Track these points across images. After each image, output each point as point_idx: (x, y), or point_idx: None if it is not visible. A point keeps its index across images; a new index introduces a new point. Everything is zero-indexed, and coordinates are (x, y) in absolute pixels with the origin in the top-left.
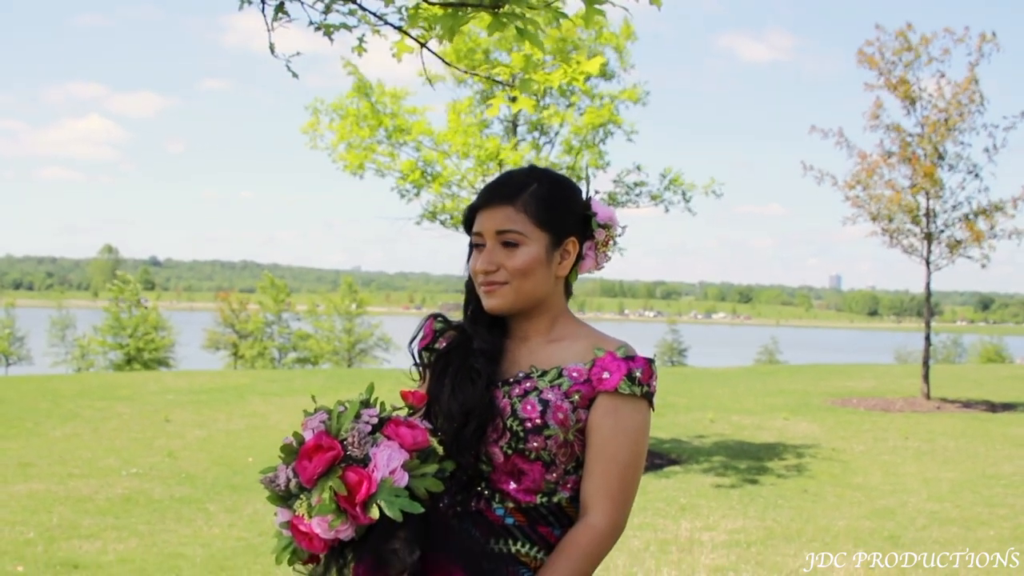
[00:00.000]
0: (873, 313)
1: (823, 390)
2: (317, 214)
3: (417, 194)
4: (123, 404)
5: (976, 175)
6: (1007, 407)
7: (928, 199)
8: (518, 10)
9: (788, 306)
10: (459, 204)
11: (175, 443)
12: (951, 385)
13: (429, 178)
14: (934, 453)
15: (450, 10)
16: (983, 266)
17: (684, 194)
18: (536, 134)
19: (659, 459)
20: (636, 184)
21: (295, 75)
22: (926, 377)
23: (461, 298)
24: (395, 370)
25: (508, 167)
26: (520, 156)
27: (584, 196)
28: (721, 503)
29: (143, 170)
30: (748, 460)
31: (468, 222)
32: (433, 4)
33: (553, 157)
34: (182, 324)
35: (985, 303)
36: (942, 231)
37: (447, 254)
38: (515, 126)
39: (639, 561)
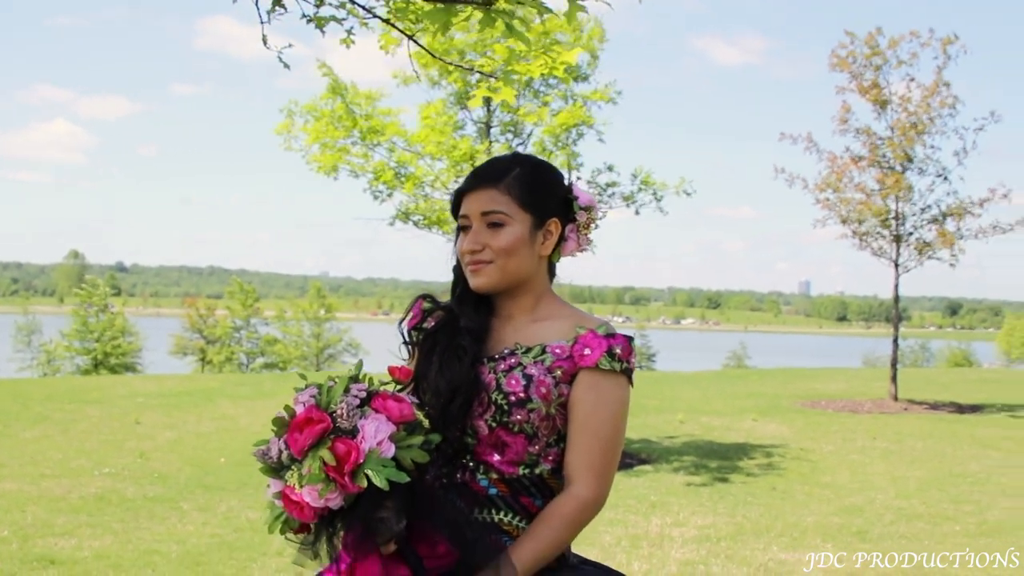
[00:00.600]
0: (842, 319)
1: (792, 393)
2: (285, 220)
3: (390, 195)
4: (92, 407)
5: (945, 178)
6: (974, 409)
7: (897, 202)
8: (507, 6)
9: (757, 312)
10: (432, 205)
11: (146, 444)
12: (919, 388)
13: (402, 179)
14: (902, 453)
15: (442, 5)
16: (952, 266)
17: (655, 194)
18: (509, 135)
19: (630, 458)
20: (608, 185)
21: (287, 66)
22: (894, 379)
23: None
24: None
25: None
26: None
27: (566, 182)
28: (691, 500)
29: (111, 175)
30: (718, 459)
31: (455, 206)
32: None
33: None
34: (149, 330)
35: (953, 308)
36: (911, 233)
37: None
38: (488, 127)
39: (610, 556)
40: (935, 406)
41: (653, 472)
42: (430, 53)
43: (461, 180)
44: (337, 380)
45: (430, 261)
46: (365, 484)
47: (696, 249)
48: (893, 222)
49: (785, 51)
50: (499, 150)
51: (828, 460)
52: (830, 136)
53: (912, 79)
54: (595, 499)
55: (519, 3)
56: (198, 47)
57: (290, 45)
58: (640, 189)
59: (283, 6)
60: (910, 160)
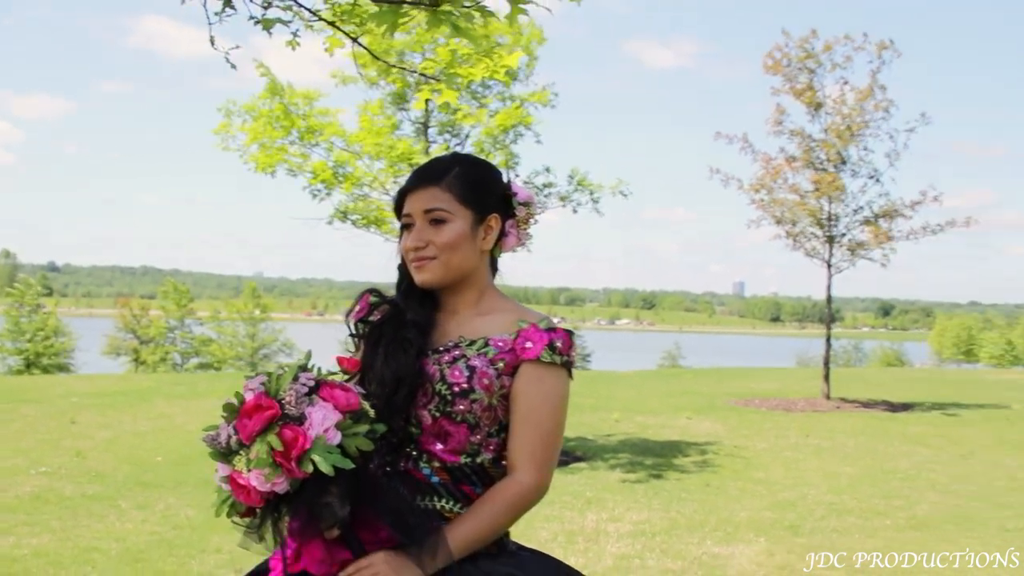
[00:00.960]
0: (775, 319)
1: (726, 392)
2: (218, 219)
3: (329, 194)
4: (27, 406)
5: (877, 180)
6: (905, 407)
7: (830, 203)
8: (454, 9)
9: (692, 312)
10: (369, 205)
11: (83, 443)
12: (851, 387)
13: (341, 179)
14: (834, 450)
15: (388, 7)
16: (883, 266)
17: (592, 194)
18: (447, 136)
19: (566, 456)
20: (545, 185)
21: (233, 66)
22: (827, 378)
23: None
24: (314, 364)
25: None
26: (431, 157)
27: (504, 179)
28: (626, 496)
29: (40, 174)
30: (653, 457)
31: (398, 206)
32: (376, 1)
33: None
34: (82, 330)
35: (886, 309)
36: (843, 235)
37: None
38: (426, 128)
39: (547, 550)
40: (867, 404)
41: (589, 469)
42: (374, 56)
43: (400, 180)
44: (286, 369)
45: (368, 261)
46: (311, 469)
47: (631, 250)
48: (826, 223)
49: (719, 54)
50: (437, 151)
51: (761, 457)
52: (764, 137)
53: (846, 82)
54: (536, 486)
55: (463, 6)
56: (127, 45)
57: (237, 47)
58: (576, 190)
59: (232, 7)
60: (843, 162)
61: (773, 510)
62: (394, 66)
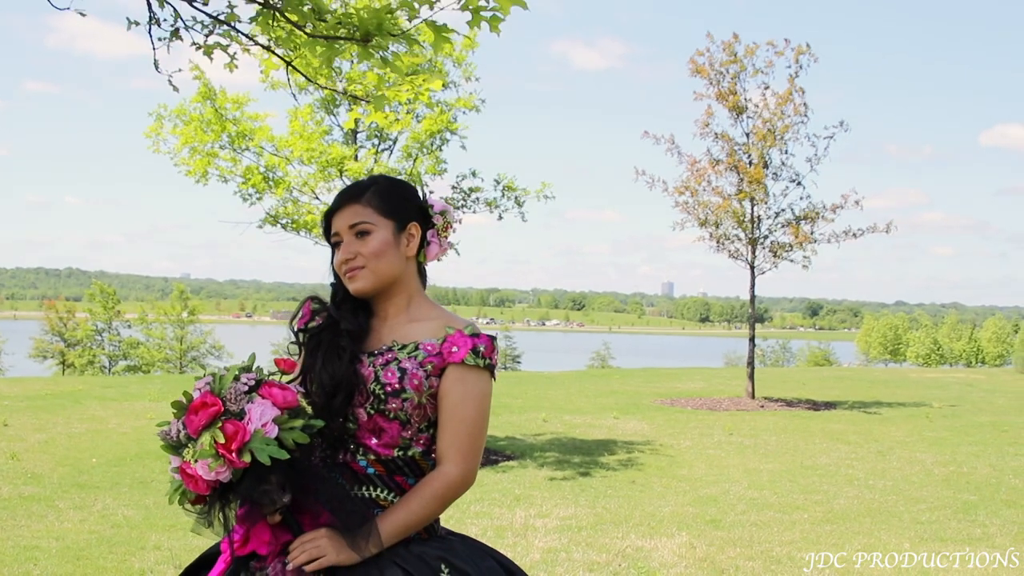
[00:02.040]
0: (704, 319)
1: (653, 391)
2: (143, 220)
3: (260, 198)
4: None
5: (799, 183)
6: (828, 405)
7: (753, 205)
8: (383, 42)
9: (621, 313)
10: (300, 209)
11: (16, 446)
12: (776, 386)
13: (271, 183)
14: (756, 447)
15: (326, 42)
16: (804, 268)
17: (517, 200)
18: (376, 141)
19: (495, 455)
20: (472, 190)
21: (176, 89)
22: (751, 377)
23: (290, 305)
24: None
25: (349, 174)
26: (362, 165)
27: (420, 193)
28: (554, 493)
29: None
30: (580, 455)
31: (327, 227)
32: (315, 37)
33: (392, 163)
34: (6, 333)
35: (814, 309)
36: (766, 236)
37: (279, 263)
38: (355, 133)
39: None
40: (791, 403)
41: (518, 468)
42: (307, 78)
43: (330, 184)
44: (230, 370)
45: (295, 263)
46: (249, 459)
47: (560, 251)
48: (749, 225)
49: (646, 56)
50: (366, 156)
51: (685, 454)
52: (692, 139)
53: (767, 87)
54: (462, 476)
55: (392, 38)
56: (49, 45)
57: (180, 70)
58: (503, 195)
59: (180, 38)
60: (766, 165)
61: (695, 505)
62: (326, 88)
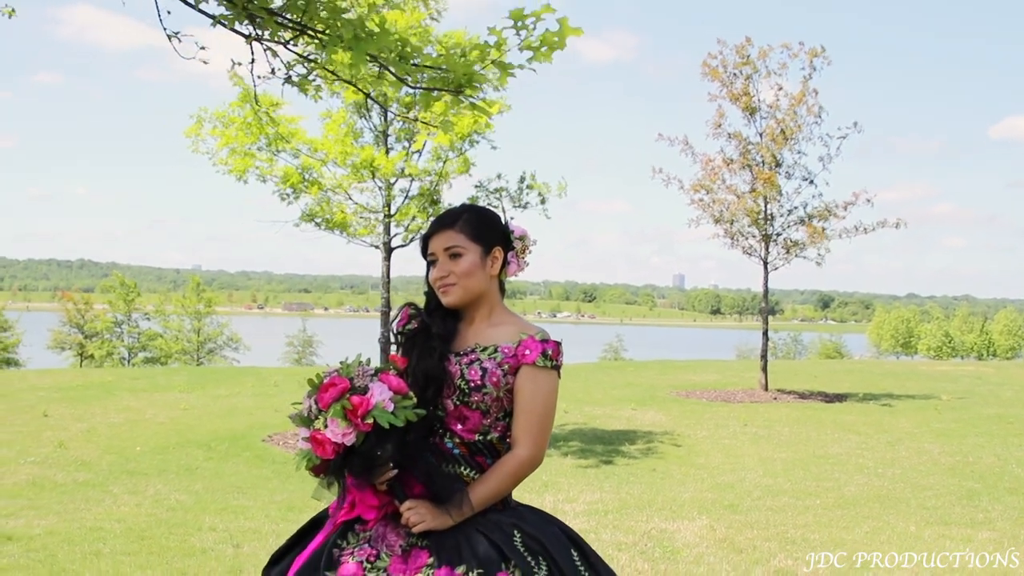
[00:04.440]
0: (716, 312)
1: (668, 383)
2: (153, 211)
3: (297, 198)
4: None
5: (811, 182)
6: (840, 398)
7: (766, 203)
8: (471, 91)
9: (632, 305)
10: (332, 208)
11: (62, 435)
12: (789, 379)
13: (308, 183)
14: (770, 437)
15: (424, 92)
16: (818, 264)
17: (541, 196)
18: (405, 143)
19: None
20: (498, 190)
21: (256, 99)
22: (764, 370)
23: (302, 297)
24: (254, 367)
25: (381, 175)
26: (392, 163)
27: (503, 220)
28: (579, 480)
29: None
30: (602, 445)
31: (424, 247)
32: (416, 88)
33: (422, 163)
34: (21, 324)
35: (825, 302)
36: (779, 234)
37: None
38: (386, 136)
39: None
40: (803, 395)
41: (545, 458)
42: (383, 107)
43: (362, 185)
44: (352, 363)
45: (309, 256)
46: (371, 422)
47: (571, 243)
48: (763, 222)
49: (656, 47)
50: (396, 157)
51: (702, 444)
52: (703, 138)
53: (780, 88)
54: (532, 458)
55: (478, 88)
56: (61, 36)
57: (261, 76)
58: (527, 191)
59: (274, 73)
60: (778, 164)
61: (714, 491)
62: (406, 118)
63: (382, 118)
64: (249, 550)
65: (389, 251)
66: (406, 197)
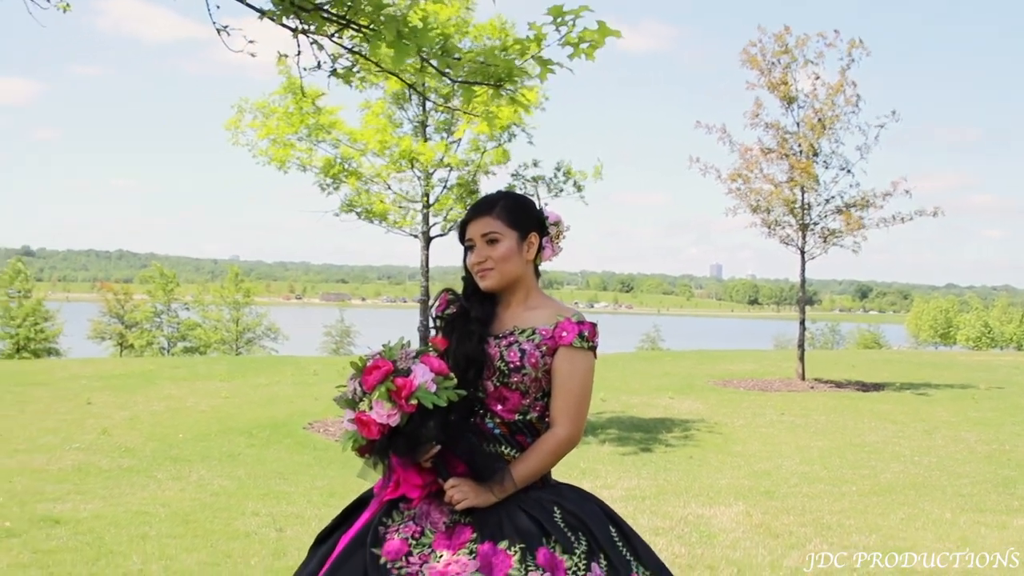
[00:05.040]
0: (753, 302)
1: (705, 373)
2: (190, 202)
3: (337, 188)
4: (39, 389)
5: (848, 171)
6: (877, 387)
7: (804, 192)
8: (512, 84)
9: (670, 295)
10: (371, 198)
11: (105, 422)
12: (826, 368)
13: (347, 173)
14: (807, 426)
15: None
16: (855, 252)
17: (576, 184)
18: (444, 134)
19: None
20: (535, 179)
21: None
22: (802, 359)
23: (340, 288)
24: (293, 356)
25: (420, 166)
26: (432, 154)
27: (538, 206)
28: (617, 467)
29: (14, 157)
30: (639, 432)
31: (462, 233)
32: (457, 83)
33: (460, 154)
34: (60, 314)
35: (863, 292)
36: (816, 223)
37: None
38: (424, 126)
39: None
40: (840, 384)
41: (581, 444)
42: (425, 98)
43: (400, 176)
44: (394, 346)
45: (346, 246)
46: (416, 403)
47: (608, 233)
48: (800, 211)
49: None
50: (437, 147)
51: (739, 433)
52: (741, 128)
53: (818, 77)
54: (570, 436)
55: (517, 82)
56: (99, 27)
57: (253, 55)
58: (563, 179)
59: (320, 67)
60: (816, 154)
61: (750, 478)
62: (447, 107)
63: (420, 108)
64: (292, 534)
65: (428, 240)
66: (444, 187)
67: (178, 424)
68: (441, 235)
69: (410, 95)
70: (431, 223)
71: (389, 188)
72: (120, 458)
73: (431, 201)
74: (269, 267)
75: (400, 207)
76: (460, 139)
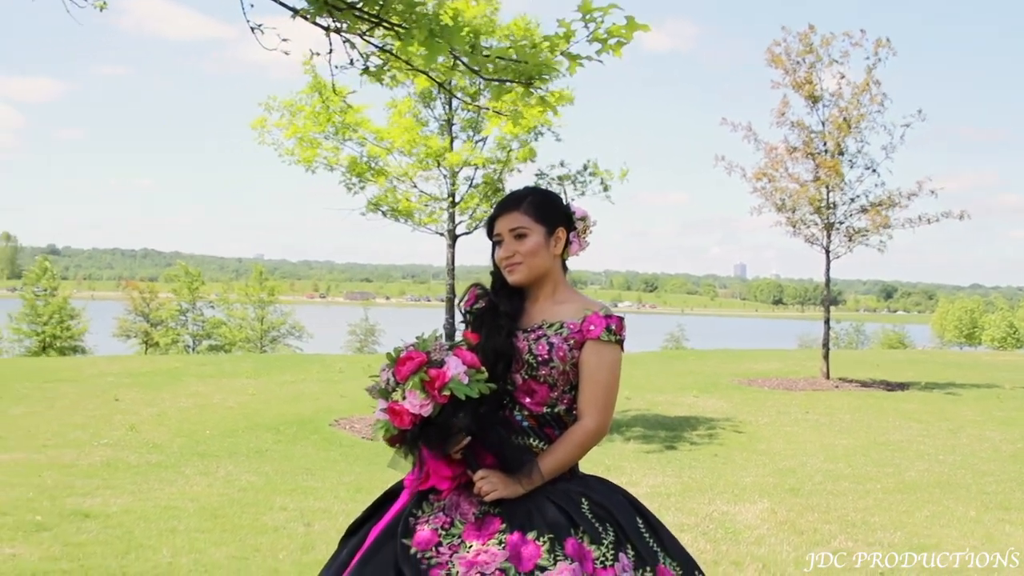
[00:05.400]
0: (777, 302)
1: (730, 372)
2: (216, 201)
3: (363, 187)
4: (67, 386)
5: (874, 170)
6: (902, 386)
7: (828, 191)
8: (542, 83)
9: (694, 295)
10: (398, 197)
11: (133, 419)
12: (851, 367)
13: (373, 172)
14: (832, 425)
15: (498, 83)
16: (880, 251)
17: (603, 183)
18: (470, 132)
19: None
20: (561, 178)
21: (348, 104)
22: (826, 358)
23: (364, 287)
24: (319, 354)
25: (447, 164)
26: (459, 156)
27: (564, 201)
28: (642, 464)
29: (40, 156)
30: (664, 430)
31: (490, 228)
32: (489, 80)
33: (486, 152)
34: (86, 313)
35: (888, 292)
36: (841, 222)
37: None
38: (450, 125)
39: None
40: (865, 384)
41: (606, 441)
42: (453, 95)
43: (426, 174)
44: (427, 338)
45: (370, 246)
46: (449, 394)
47: (631, 233)
48: (825, 210)
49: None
50: (464, 147)
51: (764, 431)
52: (765, 127)
53: (843, 76)
54: (598, 428)
55: (547, 80)
56: (122, 26)
57: (287, 52)
58: (589, 179)
59: (352, 64)
60: (841, 153)
61: (775, 476)
62: (475, 105)
63: (447, 107)
64: (320, 528)
65: (454, 238)
66: (470, 185)
67: (205, 420)
68: (467, 233)
69: (437, 94)
70: (457, 221)
71: (415, 187)
72: (148, 454)
73: (457, 200)
74: (293, 266)
75: (426, 206)
76: (486, 138)
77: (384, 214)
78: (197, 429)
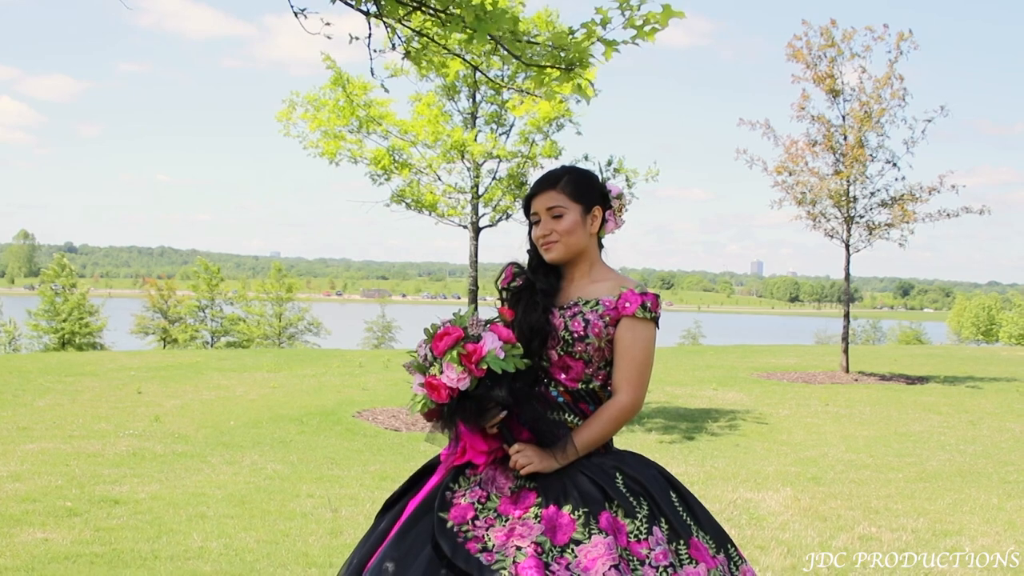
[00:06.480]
0: (794, 299)
1: (748, 366)
2: (232, 199)
3: (388, 179)
4: (90, 379)
5: (894, 165)
6: (921, 380)
7: (849, 185)
8: (582, 69)
9: (710, 292)
10: (421, 189)
11: (156, 410)
12: (869, 362)
13: (398, 165)
14: (852, 416)
15: (539, 69)
16: (901, 245)
17: (628, 180)
18: (494, 125)
19: None
20: None
21: (386, 90)
22: (846, 352)
23: (380, 284)
24: (336, 349)
25: (471, 157)
26: (482, 148)
27: (600, 179)
28: (664, 454)
29: (57, 154)
30: (685, 422)
31: (527, 207)
32: (530, 65)
33: (509, 146)
34: (104, 310)
35: (905, 289)
36: (862, 216)
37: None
38: (474, 118)
39: None
40: (885, 377)
41: (627, 432)
42: (489, 79)
43: (450, 166)
44: (464, 314)
45: (386, 243)
46: (486, 368)
47: (649, 230)
48: (846, 204)
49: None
50: (485, 139)
51: (784, 422)
52: (786, 121)
53: (864, 70)
54: (632, 403)
55: (588, 66)
56: (141, 25)
57: (330, 37)
58: (612, 177)
59: (393, 47)
60: (862, 146)
61: (797, 465)
62: (505, 87)
63: (471, 100)
64: (347, 514)
65: (477, 231)
66: (493, 178)
67: (228, 412)
68: (490, 226)
69: (460, 87)
70: (480, 214)
71: (439, 179)
72: (173, 444)
73: (480, 192)
74: (310, 263)
75: (450, 198)
76: (510, 130)
77: (408, 206)
78: (221, 420)
